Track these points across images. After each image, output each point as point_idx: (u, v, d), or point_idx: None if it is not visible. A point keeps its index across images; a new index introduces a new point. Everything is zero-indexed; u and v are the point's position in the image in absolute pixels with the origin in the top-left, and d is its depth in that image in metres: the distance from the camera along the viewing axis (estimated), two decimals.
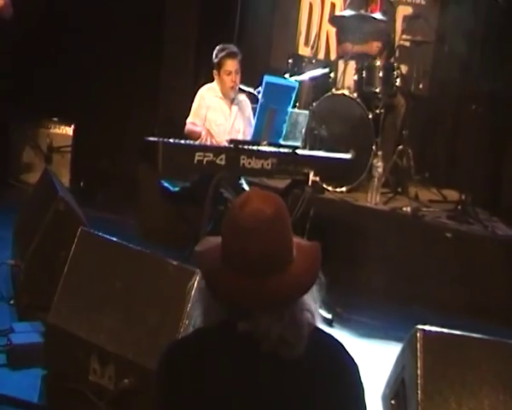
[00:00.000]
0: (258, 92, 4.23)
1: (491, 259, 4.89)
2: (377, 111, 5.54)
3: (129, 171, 5.72)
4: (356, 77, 5.63)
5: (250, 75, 4.89)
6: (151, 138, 3.94)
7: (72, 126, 6.33)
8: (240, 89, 4.72)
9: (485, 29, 6.03)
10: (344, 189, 5.40)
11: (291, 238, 1.60)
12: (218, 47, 4.69)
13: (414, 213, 5.15)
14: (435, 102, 6.47)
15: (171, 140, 3.93)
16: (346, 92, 5.54)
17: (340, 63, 5.92)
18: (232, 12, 6.39)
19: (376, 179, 5.24)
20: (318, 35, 6.68)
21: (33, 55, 6.20)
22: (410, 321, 3.16)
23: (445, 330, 2.74)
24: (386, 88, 5.57)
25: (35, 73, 6.22)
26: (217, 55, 4.65)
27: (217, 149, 3.98)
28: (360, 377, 1.64)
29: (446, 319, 3.70)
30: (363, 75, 5.57)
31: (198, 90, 4.85)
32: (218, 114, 4.75)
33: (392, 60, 5.85)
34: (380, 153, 5.30)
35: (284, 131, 4.25)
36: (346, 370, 1.62)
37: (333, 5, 6.68)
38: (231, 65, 4.62)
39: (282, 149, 4.17)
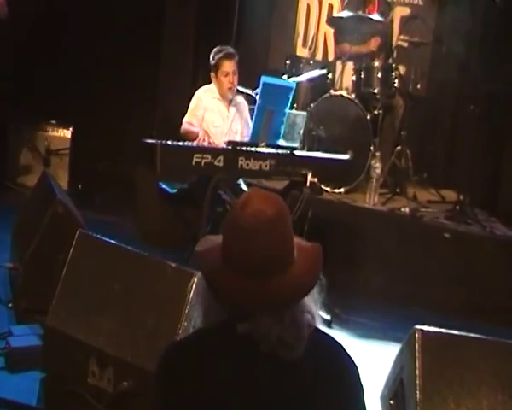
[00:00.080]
0: (256, 94, 4.24)
1: (490, 259, 4.89)
2: (375, 112, 5.54)
3: (127, 173, 5.72)
4: (354, 78, 5.64)
5: (248, 76, 4.90)
6: (149, 140, 3.95)
7: (71, 129, 6.34)
8: (237, 90, 4.72)
9: (483, 30, 6.03)
10: (342, 190, 5.40)
11: (292, 239, 1.60)
12: (215, 49, 4.70)
13: (412, 213, 5.15)
14: (433, 103, 6.47)
15: (169, 142, 3.93)
16: (344, 93, 5.54)
17: (338, 64, 5.92)
18: (230, 13, 6.40)
19: (374, 180, 5.25)
20: (316, 36, 6.68)
21: (33, 55, 6.21)
22: (408, 322, 3.15)
23: (444, 331, 2.74)
24: (385, 89, 5.57)
25: (34, 73, 6.22)
26: (214, 57, 4.66)
27: (215, 151, 3.98)
28: (360, 378, 1.64)
29: (444, 320, 3.70)
30: (362, 76, 5.57)
31: (196, 90, 4.85)
32: (216, 116, 4.75)
33: (391, 61, 5.85)
34: (378, 154, 5.30)
35: (282, 133, 4.25)
36: (345, 371, 1.63)
37: (330, 6, 6.68)
38: (228, 66, 4.63)
39: (280, 151, 4.17)
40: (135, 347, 2.80)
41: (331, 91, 5.58)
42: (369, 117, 5.42)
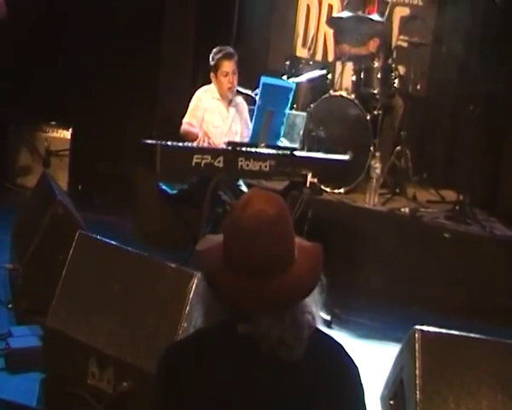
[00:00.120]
0: (256, 94, 4.24)
1: (490, 259, 4.89)
2: (375, 112, 5.54)
3: (127, 173, 5.72)
4: (354, 78, 5.63)
5: (248, 77, 4.90)
6: (149, 141, 3.95)
7: (70, 130, 6.34)
8: (237, 91, 4.72)
9: (483, 30, 6.03)
10: (342, 190, 5.40)
11: (293, 239, 1.59)
12: (214, 49, 4.70)
13: (412, 213, 5.15)
14: (433, 103, 6.47)
15: (169, 143, 3.93)
16: (344, 94, 5.54)
17: (338, 65, 5.91)
18: (230, 13, 6.40)
19: (374, 180, 5.25)
20: (316, 36, 6.68)
21: (33, 55, 6.21)
22: (408, 322, 3.15)
23: (444, 331, 2.74)
24: (384, 89, 5.57)
25: (34, 73, 6.22)
26: (213, 57, 4.66)
27: (215, 152, 3.98)
28: (360, 379, 1.64)
29: (444, 320, 3.71)
30: (361, 76, 5.57)
31: (196, 91, 4.85)
32: (216, 116, 4.75)
33: (390, 61, 5.86)
34: (378, 154, 5.30)
35: (282, 133, 4.26)
36: (345, 371, 1.62)
37: (330, 6, 6.68)
38: (228, 66, 4.63)
39: (279, 151, 4.17)
40: (135, 347, 2.80)
41: (331, 92, 5.58)
42: (368, 117, 5.42)
